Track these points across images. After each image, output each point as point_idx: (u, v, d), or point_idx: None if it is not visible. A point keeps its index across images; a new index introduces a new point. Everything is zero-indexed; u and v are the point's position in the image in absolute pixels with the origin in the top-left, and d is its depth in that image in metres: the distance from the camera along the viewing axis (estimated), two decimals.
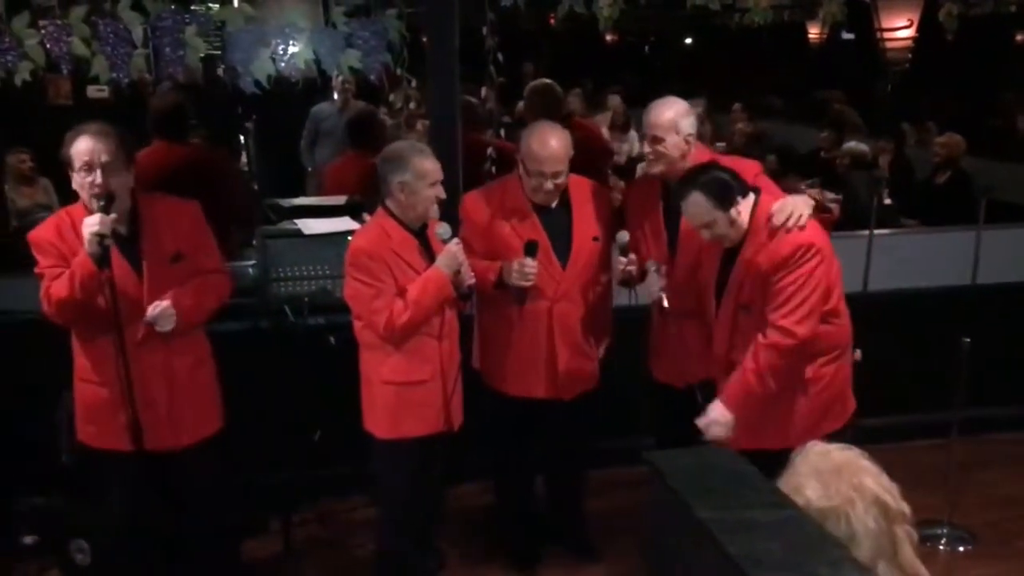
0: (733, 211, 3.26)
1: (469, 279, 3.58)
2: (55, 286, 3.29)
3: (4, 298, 4.40)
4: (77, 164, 3.27)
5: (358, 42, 4.31)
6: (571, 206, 3.84)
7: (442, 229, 3.52)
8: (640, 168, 3.73)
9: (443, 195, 3.53)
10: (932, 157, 7.28)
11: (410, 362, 3.55)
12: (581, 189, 3.89)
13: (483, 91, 4.58)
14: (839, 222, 5.50)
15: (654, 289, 3.65)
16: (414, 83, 4.54)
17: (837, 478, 1.88)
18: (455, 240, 3.49)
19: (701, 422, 3.35)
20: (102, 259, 3.14)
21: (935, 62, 8.23)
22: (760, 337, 3.27)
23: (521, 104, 9.20)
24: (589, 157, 5.05)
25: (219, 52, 4.71)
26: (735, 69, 10.20)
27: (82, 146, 3.26)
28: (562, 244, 3.80)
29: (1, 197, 5.36)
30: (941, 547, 4.32)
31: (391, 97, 4.46)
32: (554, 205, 3.82)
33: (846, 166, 6.96)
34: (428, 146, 3.75)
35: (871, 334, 3.83)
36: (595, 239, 3.85)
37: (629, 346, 4.05)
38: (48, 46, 4.00)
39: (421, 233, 3.57)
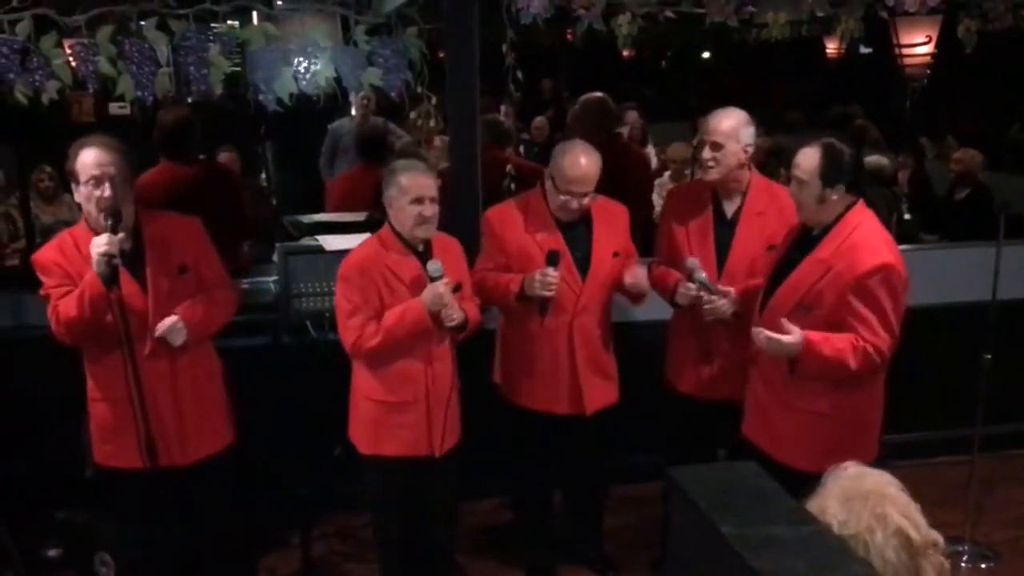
0: (828, 190, 3.24)
1: (452, 320, 3.48)
2: (63, 305, 3.30)
3: (30, 313, 4.45)
4: (84, 177, 3.26)
5: (379, 60, 4.34)
6: (592, 221, 3.87)
7: (433, 267, 3.44)
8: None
9: (428, 213, 3.45)
10: (949, 172, 7.26)
11: (392, 382, 3.55)
12: (602, 205, 3.91)
13: (502, 108, 4.62)
14: None
15: (698, 274, 3.62)
16: (434, 100, 4.57)
17: (862, 505, 1.84)
18: (444, 281, 3.41)
19: (778, 336, 3.23)
20: (111, 279, 3.14)
21: (954, 77, 8.22)
22: (861, 342, 3.21)
23: (539, 119, 9.28)
24: (632, 177, 5.08)
25: (239, 69, 4.73)
26: (753, 84, 10.21)
27: (89, 159, 3.25)
28: (583, 258, 3.83)
29: (27, 214, 5.39)
30: (963, 564, 4.29)
31: (411, 115, 4.50)
32: (576, 220, 3.84)
33: (868, 180, 6.92)
34: (446, 162, 3.76)
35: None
36: (615, 255, 3.87)
37: (647, 362, 4.06)
38: (75, 65, 4.05)
39: (425, 253, 3.54)
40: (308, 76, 4.35)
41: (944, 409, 4.92)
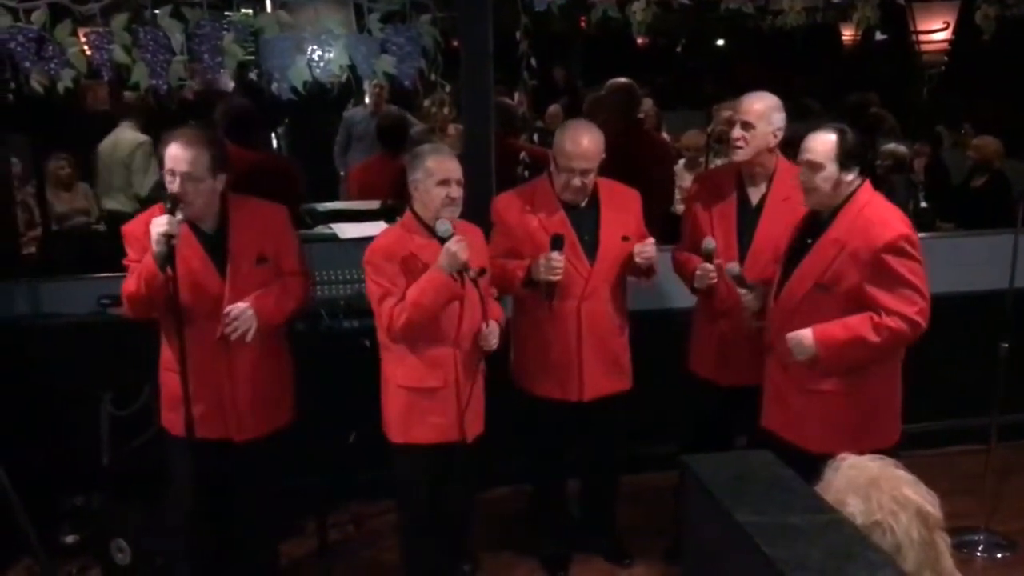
0: (844, 174, 3.27)
1: (472, 273, 3.46)
2: (127, 280, 3.44)
3: (45, 301, 4.48)
4: (164, 166, 3.43)
5: (393, 48, 4.33)
6: (600, 205, 3.86)
7: (442, 228, 3.44)
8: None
9: (455, 195, 3.47)
10: (967, 160, 7.21)
11: (424, 368, 3.56)
12: (611, 190, 3.92)
13: (516, 95, 4.61)
14: None
15: (732, 268, 3.63)
16: (448, 88, 4.56)
17: (877, 491, 1.86)
18: (455, 238, 3.41)
19: (791, 336, 3.31)
20: (166, 259, 3.24)
21: (972, 64, 8.14)
22: (879, 316, 3.22)
23: (553, 107, 9.25)
24: (654, 164, 5.05)
25: (253, 58, 4.74)
26: (768, 72, 10.13)
27: (169, 152, 3.40)
28: (590, 242, 3.83)
29: (42, 202, 5.41)
30: (978, 554, 4.28)
31: (425, 102, 4.49)
32: (583, 204, 3.83)
33: (886, 167, 6.89)
34: (461, 150, 3.76)
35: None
36: (624, 239, 3.86)
37: (664, 350, 4.05)
38: (90, 53, 4.06)
39: (440, 239, 3.51)
40: (322, 64, 4.35)
41: (960, 398, 4.90)
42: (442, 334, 3.55)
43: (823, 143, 3.29)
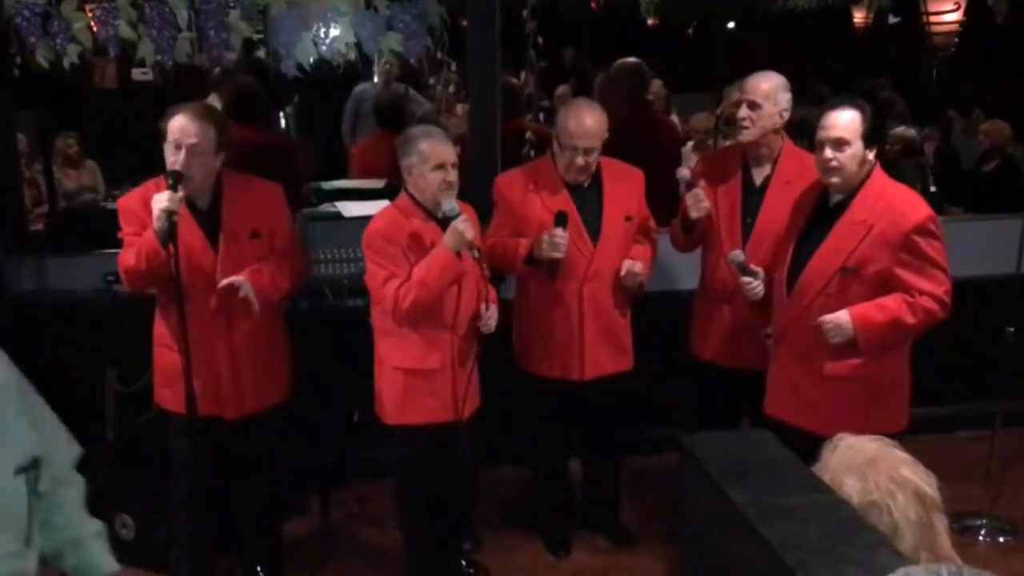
0: (868, 151, 3.24)
1: (477, 254, 3.48)
2: (124, 254, 3.44)
3: (52, 278, 4.49)
4: (170, 139, 3.39)
5: (399, 25, 4.32)
6: (603, 185, 3.85)
7: (448, 207, 3.43)
8: (681, 174, 3.74)
9: (451, 179, 3.46)
10: (978, 145, 7.16)
11: (420, 350, 3.56)
12: (614, 170, 3.90)
13: (522, 75, 4.58)
14: None
15: (735, 255, 3.59)
16: (454, 67, 4.55)
17: (874, 471, 1.86)
18: (462, 217, 3.41)
19: (827, 318, 3.26)
20: (167, 235, 3.24)
21: (984, 47, 8.08)
22: (915, 297, 3.22)
23: (562, 87, 9.21)
24: (662, 145, 5.02)
25: (261, 36, 4.73)
26: (778, 55, 10.06)
27: (175, 124, 3.38)
28: (593, 222, 3.82)
29: (49, 179, 5.42)
30: (980, 538, 4.27)
31: (431, 80, 4.48)
32: (586, 184, 3.82)
33: (896, 152, 6.85)
34: (465, 130, 3.75)
35: None
36: (627, 219, 3.85)
37: (666, 333, 4.04)
38: (95, 29, 4.06)
39: (445, 218, 3.51)
40: (328, 42, 4.34)
41: (966, 383, 4.87)
42: (440, 316, 3.55)
43: (848, 119, 3.22)
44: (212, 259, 3.49)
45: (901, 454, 1.91)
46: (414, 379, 3.59)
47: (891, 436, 3.35)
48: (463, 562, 4.01)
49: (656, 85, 9.64)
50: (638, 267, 3.81)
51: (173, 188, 3.30)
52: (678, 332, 4.07)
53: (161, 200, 3.26)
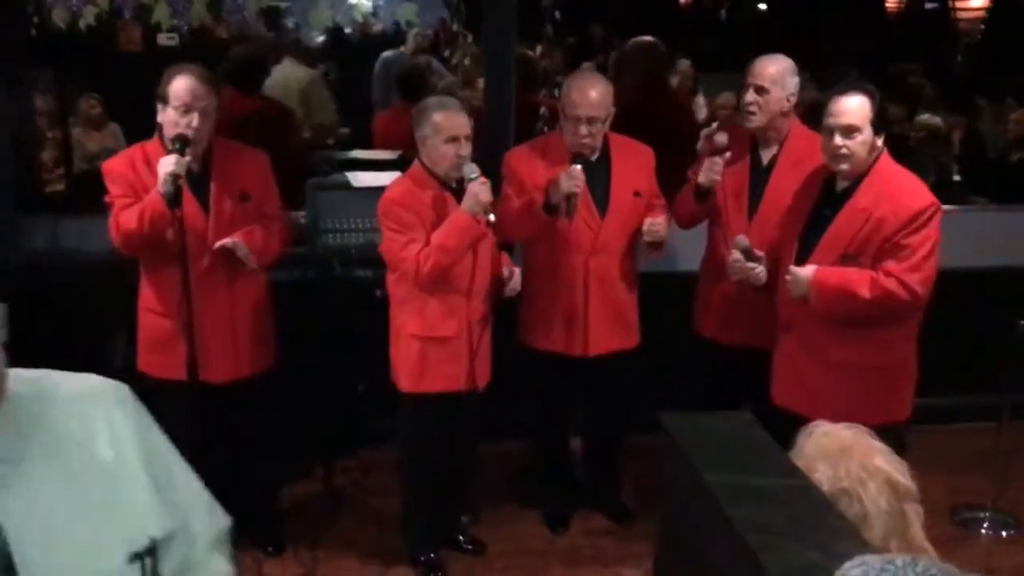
0: (877, 137, 3.22)
1: (492, 219, 3.47)
2: (124, 217, 3.41)
3: (65, 239, 4.53)
4: (174, 102, 3.36)
5: None
6: (611, 160, 3.84)
7: (468, 168, 3.45)
8: (719, 140, 3.70)
9: (464, 152, 3.47)
10: (1007, 134, 7.04)
11: (436, 317, 3.58)
12: (623, 145, 3.89)
13: (538, 49, 4.55)
14: None
15: (740, 239, 3.55)
16: (470, 39, 4.53)
17: (847, 458, 1.85)
18: (479, 180, 3.43)
19: (793, 269, 3.28)
20: (174, 198, 3.26)
21: (1016, 34, 7.92)
22: (879, 274, 3.20)
23: (587, 64, 9.14)
24: (676, 123, 4.98)
25: (285, 3, 4.74)
26: (808, 36, 9.93)
27: (183, 86, 3.36)
28: (601, 196, 3.80)
29: (66, 140, 5.46)
30: (983, 531, 4.23)
31: (446, 53, 4.45)
32: (595, 159, 3.80)
33: (919, 139, 6.76)
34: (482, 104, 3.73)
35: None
36: (636, 194, 3.83)
37: (670, 312, 4.03)
38: None
39: (459, 188, 3.52)
40: (344, 9, 4.33)
41: (974, 374, 4.82)
42: (457, 282, 3.57)
43: (858, 105, 3.18)
44: (204, 222, 3.51)
45: (876, 443, 1.90)
46: (430, 346, 3.61)
47: (896, 425, 3.38)
48: (460, 536, 4.03)
49: (684, 64, 9.57)
50: (660, 220, 3.78)
51: (180, 152, 3.31)
52: (683, 312, 4.05)
53: (168, 164, 3.27)
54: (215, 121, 3.49)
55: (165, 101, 3.40)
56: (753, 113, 3.66)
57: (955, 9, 6.80)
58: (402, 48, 7.77)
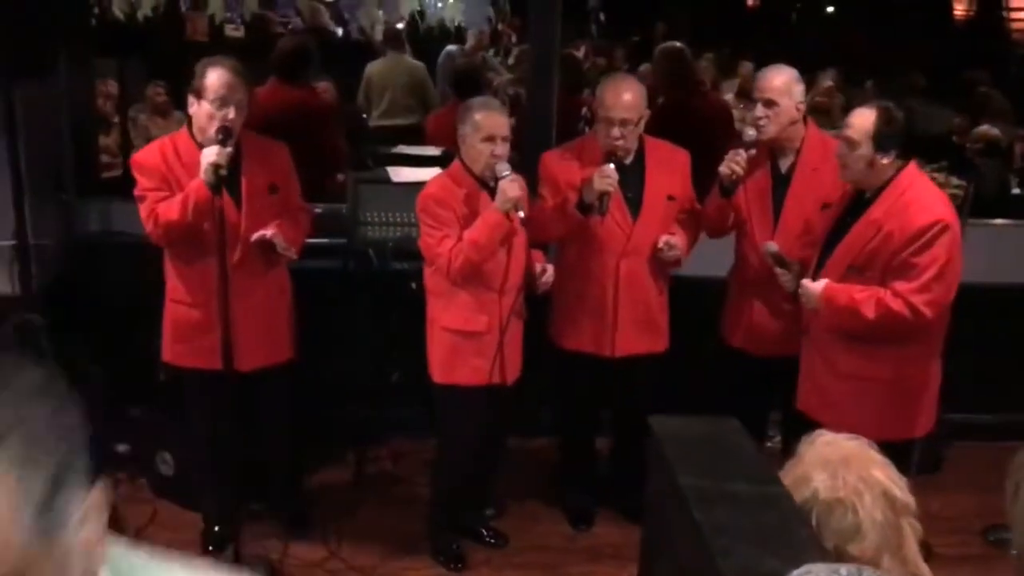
0: (880, 155, 3.20)
1: (522, 214, 3.52)
2: (163, 208, 3.49)
3: (118, 221, 4.68)
4: (211, 96, 3.43)
5: None
6: (645, 163, 3.86)
7: (500, 167, 3.50)
8: (748, 134, 3.71)
9: (499, 152, 3.51)
10: None
11: (469, 312, 3.64)
12: (658, 148, 3.91)
13: (582, 50, 4.58)
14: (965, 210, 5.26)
15: (770, 246, 3.59)
16: (514, 38, 4.57)
17: (845, 468, 1.84)
18: (510, 177, 3.47)
19: (806, 283, 3.33)
20: (216, 187, 3.33)
21: None
22: (886, 294, 3.19)
23: (645, 66, 9.12)
24: (710, 131, 4.98)
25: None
26: (875, 41, 9.77)
27: (220, 80, 3.43)
28: (634, 199, 3.83)
29: (125, 127, 5.62)
30: (1013, 552, 4.14)
31: (490, 51, 4.51)
32: (629, 162, 3.82)
33: (976, 151, 6.62)
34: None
35: (963, 328, 3.67)
36: (669, 198, 3.85)
37: (702, 318, 4.03)
38: None
39: (494, 187, 3.56)
40: (392, 7, 4.41)
41: (1016, 391, 4.73)
42: (489, 280, 3.63)
43: (862, 120, 3.22)
44: (236, 214, 3.59)
45: (876, 456, 1.89)
46: (462, 340, 3.68)
47: (912, 440, 3.34)
48: (483, 529, 4.09)
49: (746, 67, 9.49)
50: (676, 240, 3.81)
51: (223, 143, 3.38)
52: (713, 318, 4.05)
53: (210, 155, 3.35)
54: (246, 115, 3.56)
55: (200, 95, 3.47)
56: (764, 126, 3.68)
57: (1010, 19, 6.63)
58: (466, 44, 7.88)
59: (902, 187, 3.23)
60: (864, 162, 3.22)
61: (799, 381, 3.56)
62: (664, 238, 3.81)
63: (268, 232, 3.57)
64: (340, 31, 7.65)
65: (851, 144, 3.23)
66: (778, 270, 3.54)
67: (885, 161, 3.20)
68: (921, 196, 3.23)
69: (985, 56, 9.52)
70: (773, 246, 3.54)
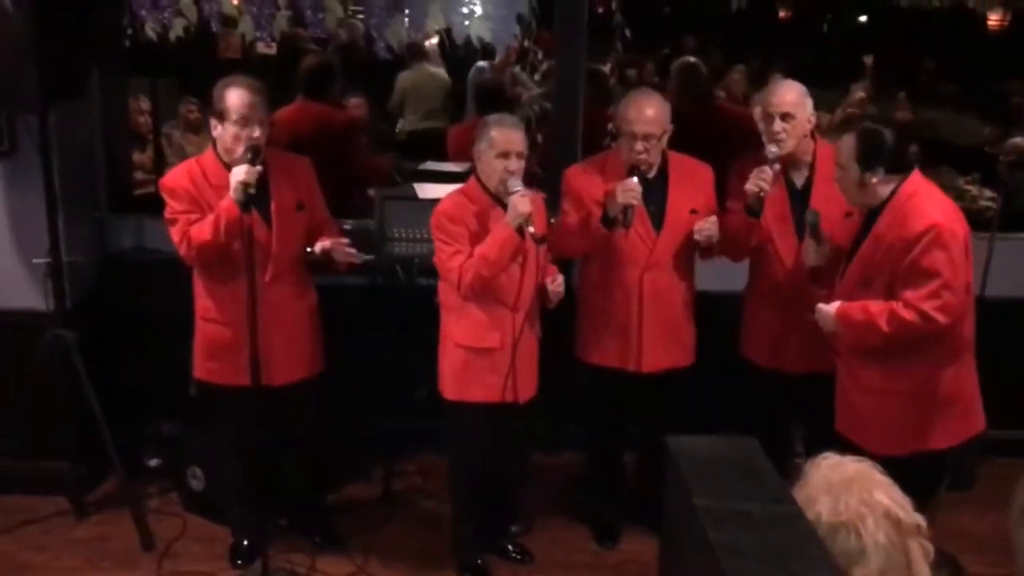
0: (868, 174, 3.24)
1: (534, 231, 3.49)
2: (195, 230, 3.54)
3: (149, 238, 4.74)
4: (234, 116, 3.47)
5: (488, 10, 4.39)
6: (668, 177, 3.86)
7: (512, 183, 3.50)
8: (771, 151, 3.70)
9: (513, 168, 3.51)
10: None
11: (481, 328, 3.65)
12: (681, 163, 3.91)
13: (608, 66, 4.59)
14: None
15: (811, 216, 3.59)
16: (540, 55, 4.60)
17: (847, 492, 1.84)
18: (521, 192, 3.48)
19: (820, 306, 3.38)
20: (246, 206, 3.38)
21: None
22: (897, 305, 3.20)
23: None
24: (730, 144, 4.96)
25: (363, 16, 4.89)
26: (907, 52, 9.69)
27: (240, 99, 3.47)
28: (657, 212, 3.83)
29: (157, 144, 5.70)
30: None
31: (516, 69, 4.53)
32: (652, 176, 3.82)
33: (1009, 163, 6.53)
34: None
35: (995, 342, 3.63)
36: (692, 211, 3.84)
37: (727, 332, 4.02)
38: (199, 5, 4.27)
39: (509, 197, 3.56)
40: (420, 25, 4.45)
41: None
42: (502, 296, 3.64)
43: (845, 145, 3.29)
44: (266, 232, 3.63)
45: (880, 477, 1.88)
46: (474, 356, 3.69)
47: (939, 453, 3.31)
48: (509, 545, 4.09)
49: (776, 79, 9.43)
50: (711, 220, 3.79)
51: (252, 162, 3.42)
52: (729, 332, 4.04)
53: (239, 173, 3.39)
54: (268, 132, 3.61)
55: (222, 117, 3.51)
56: (782, 140, 3.68)
57: None
58: (496, 60, 7.98)
59: (904, 199, 3.26)
60: (853, 183, 3.29)
61: (836, 403, 3.54)
62: (698, 223, 3.79)
63: (328, 243, 3.65)
64: (369, 49, 7.81)
65: (841, 170, 3.32)
66: (809, 240, 3.56)
67: (875, 180, 3.25)
68: (920, 205, 3.23)
69: (1018, 67, 9.40)
70: (815, 214, 3.56)
